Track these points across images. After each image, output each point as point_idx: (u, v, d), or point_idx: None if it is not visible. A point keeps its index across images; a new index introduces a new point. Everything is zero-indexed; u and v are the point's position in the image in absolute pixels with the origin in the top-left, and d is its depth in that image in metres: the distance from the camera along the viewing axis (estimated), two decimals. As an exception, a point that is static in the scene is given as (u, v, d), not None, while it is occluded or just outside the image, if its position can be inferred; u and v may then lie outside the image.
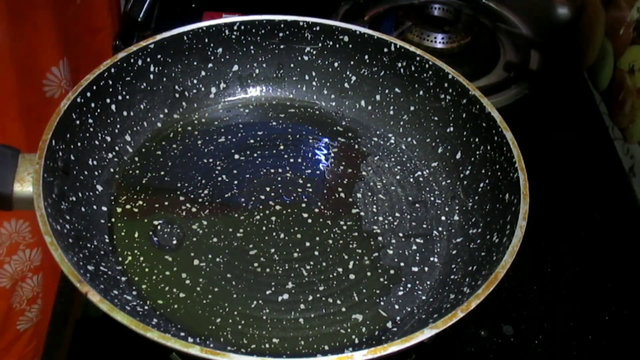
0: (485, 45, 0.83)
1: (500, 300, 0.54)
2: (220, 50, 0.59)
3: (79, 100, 0.50)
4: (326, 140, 0.59)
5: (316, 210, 0.53)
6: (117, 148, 0.54)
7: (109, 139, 0.53)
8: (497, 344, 0.51)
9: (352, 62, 0.61)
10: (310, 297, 0.47)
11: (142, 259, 0.48)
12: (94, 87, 0.51)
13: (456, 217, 0.53)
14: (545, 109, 0.75)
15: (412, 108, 0.59)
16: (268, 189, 0.54)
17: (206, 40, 0.58)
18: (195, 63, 0.59)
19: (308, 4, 0.68)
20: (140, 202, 0.52)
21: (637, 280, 0.56)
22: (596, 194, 0.65)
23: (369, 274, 0.49)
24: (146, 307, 0.45)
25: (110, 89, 0.53)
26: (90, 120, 0.52)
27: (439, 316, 0.43)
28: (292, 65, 0.62)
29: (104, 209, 0.51)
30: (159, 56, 0.56)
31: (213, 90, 0.61)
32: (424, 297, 0.48)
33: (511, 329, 0.52)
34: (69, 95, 0.50)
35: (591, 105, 0.77)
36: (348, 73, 0.61)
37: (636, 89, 0.66)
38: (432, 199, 0.55)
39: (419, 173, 0.57)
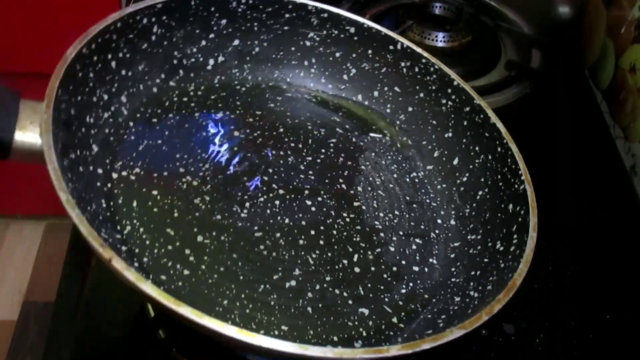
0: (487, 44, 0.83)
1: None
2: (224, 21, 0.57)
3: (84, 51, 0.46)
4: (324, 130, 0.58)
5: (319, 199, 0.52)
6: (112, 108, 0.50)
7: (106, 96, 0.49)
8: (498, 343, 0.51)
9: (354, 55, 0.60)
10: (317, 287, 0.46)
11: (141, 229, 0.45)
12: (99, 40, 0.48)
13: (453, 222, 0.53)
14: (547, 107, 0.75)
15: (410, 109, 0.59)
16: (270, 170, 0.52)
17: (212, 9, 0.56)
18: (197, 31, 0.56)
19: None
20: (137, 170, 0.48)
21: (638, 279, 0.57)
22: (597, 193, 0.66)
23: (372, 268, 0.48)
24: (150, 282, 0.42)
25: (113, 44, 0.49)
26: (91, 75, 0.47)
27: (452, 318, 0.44)
28: (293, 48, 0.60)
29: (100, 171, 0.47)
30: (164, 17, 0.53)
31: (211, 62, 0.58)
32: (426, 296, 0.48)
33: (512, 327, 0.52)
34: (75, 45, 0.46)
35: (592, 104, 0.77)
36: (349, 65, 0.61)
37: (637, 88, 0.67)
38: (427, 201, 0.55)
39: (415, 174, 0.57)
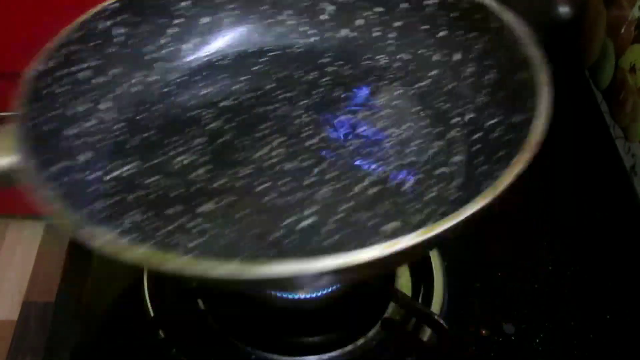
0: None
1: (501, 299, 0.54)
2: (187, 2, 0.55)
3: (42, 68, 0.45)
4: (314, 73, 0.55)
5: (321, 135, 0.49)
6: (94, 116, 0.49)
7: (85, 107, 0.48)
8: (498, 343, 0.50)
9: (323, -11, 0.57)
10: (332, 219, 0.43)
11: (140, 219, 0.44)
12: (58, 55, 0.47)
13: (469, 115, 0.49)
14: None
15: (396, 24, 0.56)
16: (263, 126, 0.50)
17: (170, -7, 0.55)
18: (161, 20, 0.54)
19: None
20: (128, 167, 0.47)
21: (638, 279, 0.56)
22: (597, 193, 0.65)
23: (388, 185, 0.45)
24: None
25: (76, 56, 0.49)
26: (60, 90, 0.47)
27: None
28: (262, 7, 0.58)
29: (91, 177, 0.46)
30: (122, 16, 0.51)
31: (184, 46, 0.56)
32: (454, 197, 0.44)
33: (512, 327, 0.52)
34: (33, 65, 0.45)
35: (592, 104, 0.76)
36: (323, 4, 0.58)
37: (637, 87, 0.66)
38: (438, 105, 0.51)
39: (419, 84, 0.53)
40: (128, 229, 0.43)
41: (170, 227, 0.43)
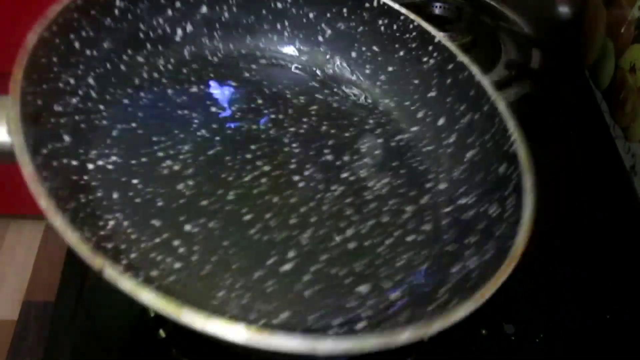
0: (487, 44, 0.81)
1: (501, 298, 0.53)
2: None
3: (46, 34, 0.43)
4: (303, 97, 0.55)
5: (306, 173, 0.50)
6: (80, 92, 0.47)
7: (72, 80, 0.46)
8: (498, 343, 0.51)
9: (329, 14, 0.57)
10: (313, 268, 0.44)
11: (125, 223, 0.43)
12: (60, 21, 0.44)
13: (442, 186, 0.52)
14: (546, 107, 0.74)
15: (390, 69, 0.57)
16: (253, 147, 0.50)
17: (176, -26, 0.52)
18: (162, 0, 0.53)
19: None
20: (114, 158, 0.46)
21: (638, 279, 0.57)
22: (597, 193, 0.65)
23: (366, 243, 0.47)
24: (140, 280, 0.40)
25: (76, 24, 0.46)
26: (55, 59, 0.44)
27: (454, 290, 0.43)
28: (264, 12, 0.57)
29: (74, 163, 0.44)
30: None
31: (179, 32, 0.54)
32: (424, 267, 0.47)
33: (512, 327, 0.52)
34: (36, 29, 0.42)
35: (592, 103, 0.76)
36: (324, 26, 0.58)
37: (637, 87, 0.66)
38: (414, 165, 0.54)
39: (400, 137, 0.55)
40: (110, 232, 0.42)
41: (156, 240, 0.42)
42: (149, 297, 0.32)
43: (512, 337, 0.51)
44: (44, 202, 0.35)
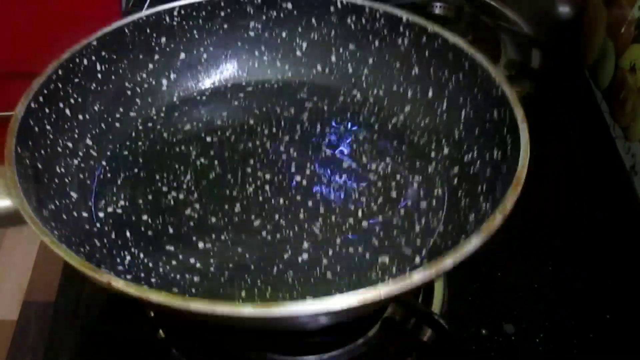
0: (487, 44, 0.80)
1: (501, 298, 0.53)
2: (163, 39, 0.56)
3: (33, 105, 0.46)
4: (293, 108, 0.57)
5: (308, 171, 0.51)
6: (80, 153, 0.50)
7: (70, 144, 0.49)
8: (498, 343, 0.50)
9: (299, 29, 0.59)
10: (330, 252, 0.45)
11: (141, 255, 0.44)
12: (45, 91, 0.47)
13: (446, 150, 0.52)
14: (547, 107, 0.74)
15: (370, 61, 0.58)
16: (252, 161, 0.52)
17: (148, 30, 0.55)
18: (141, 56, 0.56)
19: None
20: (122, 202, 0.48)
21: (638, 279, 0.56)
22: (597, 193, 0.65)
23: (379, 218, 0.47)
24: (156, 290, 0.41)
25: (61, 92, 0.49)
26: (48, 127, 0.47)
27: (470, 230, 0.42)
28: (239, 43, 0.60)
29: (85, 214, 0.46)
30: (103, 53, 0.53)
31: (164, 82, 0.57)
32: (441, 228, 0.47)
33: (512, 327, 0.51)
34: (22, 101, 0.46)
35: (592, 103, 0.76)
36: (298, 41, 0.60)
37: (637, 87, 0.66)
38: (415, 139, 0.54)
39: (395, 119, 0.56)
40: (128, 265, 0.43)
41: (173, 262, 0.44)
42: (154, 296, 0.33)
43: (512, 337, 0.51)
44: (56, 251, 0.36)
